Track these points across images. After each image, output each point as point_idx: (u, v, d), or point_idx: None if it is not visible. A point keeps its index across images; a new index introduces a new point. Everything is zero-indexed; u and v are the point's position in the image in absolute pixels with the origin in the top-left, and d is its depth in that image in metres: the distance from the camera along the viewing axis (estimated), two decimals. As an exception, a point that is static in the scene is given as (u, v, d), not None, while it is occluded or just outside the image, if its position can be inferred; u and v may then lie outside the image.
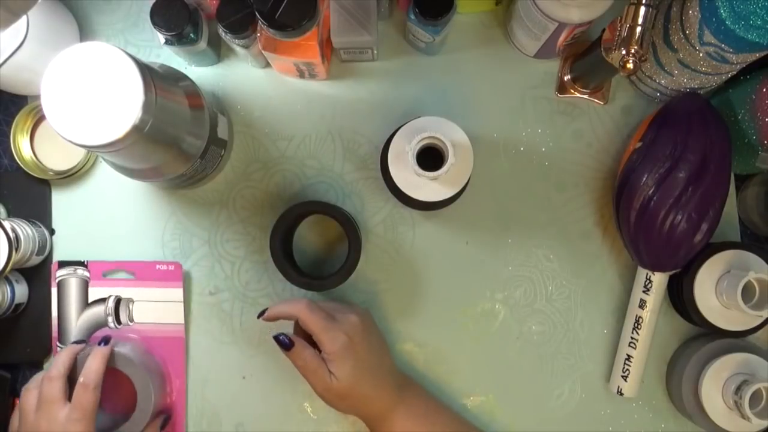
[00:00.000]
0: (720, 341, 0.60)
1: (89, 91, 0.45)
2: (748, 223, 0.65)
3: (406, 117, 0.60)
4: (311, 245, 0.65)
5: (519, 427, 0.64)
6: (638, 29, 0.50)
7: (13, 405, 0.64)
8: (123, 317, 0.64)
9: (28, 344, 0.64)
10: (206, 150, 0.57)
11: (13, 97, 0.65)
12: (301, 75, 0.64)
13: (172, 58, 0.65)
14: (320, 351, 0.55)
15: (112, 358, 0.58)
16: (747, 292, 0.56)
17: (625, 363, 0.61)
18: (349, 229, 0.59)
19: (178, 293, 0.64)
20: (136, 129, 0.46)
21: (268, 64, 0.64)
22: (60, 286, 0.64)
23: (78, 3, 0.66)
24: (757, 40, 0.48)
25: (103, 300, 0.64)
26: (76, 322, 0.63)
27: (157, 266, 0.64)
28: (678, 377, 0.61)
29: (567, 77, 0.64)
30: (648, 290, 0.61)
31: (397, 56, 0.65)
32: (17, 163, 0.64)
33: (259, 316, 0.57)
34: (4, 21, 0.48)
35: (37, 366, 0.65)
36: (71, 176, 0.64)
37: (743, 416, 0.55)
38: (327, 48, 0.62)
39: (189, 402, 0.64)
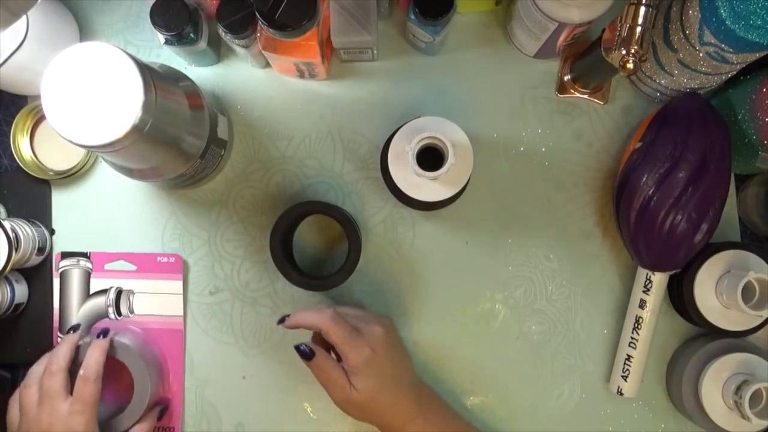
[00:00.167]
0: (720, 341, 0.60)
1: (89, 91, 0.46)
2: (748, 223, 0.65)
3: (406, 117, 0.60)
4: (311, 245, 0.65)
5: (519, 427, 0.64)
6: (638, 29, 0.50)
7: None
8: (123, 309, 0.64)
9: (28, 344, 0.64)
10: (206, 150, 0.57)
11: (13, 97, 0.65)
12: (301, 75, 0.64)
13: (172, 58, 0.65)
14: (339, 359, 0.55)
15: (111, 347, 0.59)
16: (747, 292, 0.56)
17: (625, 363, 0.61)
18: (349, 229, 0.59)
19: (178, 285, 0.64)
20: (136, 129, 0.46)
21: (268, 64, 0.64)
22: (62, 276, 0.64)
23: (78, 3, 0.66)
24: (757, 40, 0.48)
25: (104, 291, 0.64)
26: (78, 312, 0.64)
27: (158, 258, 0.64)
28: (678, 377, 0.61)
29: (567, 77, 0.64)
30: (648, 290, 0.61)
31: (397, 56, 0.65)
32: (17, 163, 0.64)
33: (279, 323, 0.56)
34: (4, 21, 0.48)
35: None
36: (71, 176, 0.64)
37: (743, 416, 0.55)
38: (327, 48, 0.62)
39: (189, 402, 0.64)
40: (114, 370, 0.59)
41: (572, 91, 0.65)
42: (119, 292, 0.64)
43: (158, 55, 0.66)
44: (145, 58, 0.59)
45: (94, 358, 0.56)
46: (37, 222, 0.64)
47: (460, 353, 0.64)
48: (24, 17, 0.56)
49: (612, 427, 0.64)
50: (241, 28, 0.56)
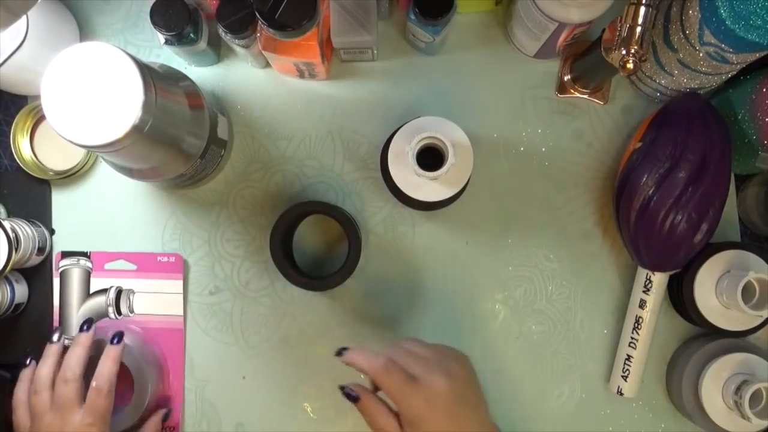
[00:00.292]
0: (720, 341, 0.60)
1: (89, 91, 0.46)
2: (748, 223, 0.65)
3: (406, 117, 0.60)
4: (311, 245, 0.65)
5: (519, 427, 0.64)
6: (638, 29, 0.50)
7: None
8: (123, 308, 0.64)
9: (28, 344, 0.64)
10: (206, 150, 0.57)
11: (13, 97, 0.65)
12: (301, 75, 0.64)
13: (172, 58, 0.65)
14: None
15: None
16: (747, 292, 0.56)
17: (625, 363, 0.61)
18: (349, 229, 0.59)
19: (178, 285, 0.64)
20: (136, 129, 0.46)
21: (268, 64, 0.64)
22: (62, 276, 0.64)
23: (78, 3, 0.66)
24: (757, 40, 0.48)
25: (104, 291, 0.64)
26: (78, 312, 0.64)
27: (158, 258, 0.64)
28: (678, 377, 0.61)
29: (567, 77, 0.64)
30: (648, 290, 0.61)
31: (397, 56, 0.65)
32: (17, 163, 0.64)
33: (337, 355, 0.52)
34: (4, 21, 0.48)
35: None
36: (71, 176, 0.64)
37: (743, 416, 0.55)
38: (327, 48, 0.62)
39: (189, 402, 0.64)
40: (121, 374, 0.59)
41: (572, 91, 0.65)
42: (119, 292, 0.64)
43: (158, 55, 0.66)
44: (145, 58, 0.59)
45: (107, 368, 0.55)
46: (37, 222, 0.64)
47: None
48: (24, 17, 0.56)
49: (612, 427, 0.64)
50: (241, 28, 0.56)
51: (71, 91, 0.45)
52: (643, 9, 0.49)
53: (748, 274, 0.55)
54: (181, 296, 0.64)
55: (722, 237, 0.64)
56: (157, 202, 0.65)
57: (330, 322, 0.65)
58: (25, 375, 0.58)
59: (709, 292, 0.59)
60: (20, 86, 0.62)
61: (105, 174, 0.65)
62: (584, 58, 0.61)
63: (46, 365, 0.56)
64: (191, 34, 0.58)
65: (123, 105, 0.45)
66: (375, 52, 0.63)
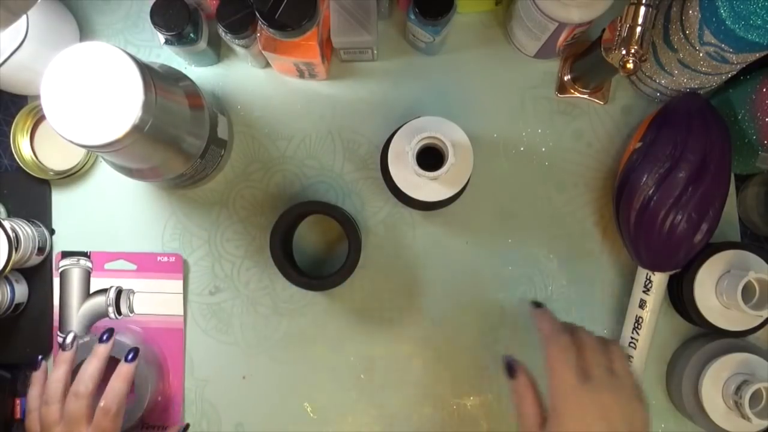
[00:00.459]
0: (720, 341, 0.60)
1: (89, 91, 0.46)
2: (748, 223, 0.65)
3: (406, 117, 0.60)
4: (311, 245, 0.65)
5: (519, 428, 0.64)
6: (638, 29, 0.50)
7: (13, 405, 0.64)
8: (123, 308, 0.64)
9: (28, 344, 0.64)
10: (206, 150, 0.57)
11: (13, 97, 0.65)
12: (301, 75, 0.64)
13: (172, 58, 0.65)
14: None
15: (112, 347, 0.57)
16: (747, 292, 0.56)
17: (625, 363, 0.61)
18: (349, 229, 0.59)
19: (178, 285, 0.64)
20: (136, 129, 0.46)
21: (268, 64, 0.64)
22: (62, 276, 0.64)
23: (78, 3, 0.66)
24: (757, 40, 0.48)
25: (104, 291, 0.64)
26: (78, 312, 0.64)
27: (159, 258, 0.64)
28: (678, 377, 0.61)
29: (567, 77, 0.64)
30: (648, 290, 0.61)
31: (397, 56, 0.65)
32: (17, 163, 0.64)
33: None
34: (4, 21, 0.48)
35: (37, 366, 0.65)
36: (71, 176, 0.64)
37: (743, 416, 0.55)
38: (327, 48, 0.62)
39: (189, 402, 0.64)
40: (114, 369, 0.59)
41: (572, 91, 0.65)
42: (119, 292, 0.64)
43: (158, 55, 0.66)
44: (145, 58, 0.59)
45: (117, 388, 0.54)
46: (37, 222, 0.64)
47: (460, 353, 0.64)
48: (24, 17, 0.56)
49: (612, 427, 0.64)
50: (241, 28, 0.56)
51: (71, 91, 0.45)
52: (643, 9, 0.49)
53: (748, 274, 0.55)
54: (181, 296, 0.64)
55: (722, 237, 0.64)
56: (157, 202, 0.65)
57: (330, 322, 0.65)
58: (36, 378, 0.57)
59: (709, 292, 0.59)
60: (20, 86, 0.62)
61: (105, 174, 0.65)
62: (584, 58, 0.61)
63: (58, 373, 0.55)
64: (191, 34, 0.58)
65: (123, 105, 0.45)
66: (375, 52, 0.63)
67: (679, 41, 0.54)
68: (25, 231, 0.60)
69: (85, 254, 0.64)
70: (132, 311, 0.64)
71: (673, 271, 0.61)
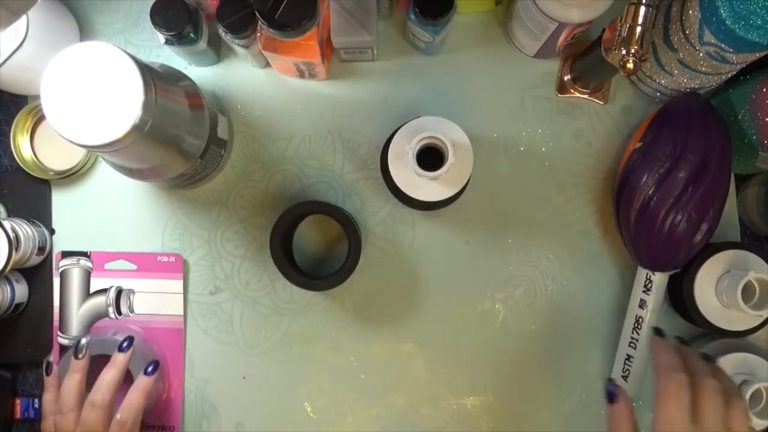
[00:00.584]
0: (720, 341, 0.60)
1: (89, 91, 0.45)
2: (748, 223, 0.65)
3: (406, 117, 0.60)
4: (311, 245, 0.65)
5: (519, 427, 0.64)
6: (638, 29, 0.50)
7: (13, 405, 0.64)
8: (123, 308, 0.64)
9: (28, 344, 0.64)
10: (206, 150, 0.57)
11: (13, 97, 0.65)
12: (301, 75, 0.64)
13: (172, 58, 0.65)
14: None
15: (111, 346, 0.58)
16: (747, 292, 0.56)
17: (625, 363, 0.61)
18: (349, 229, 0.59)
19: (178, 285, 0.64)
20: (136, 129, 0.46)
21: (268, 64, 0.64)
22: (63, 276, 0.64)
23: (78, 3, 0.66)
24: (757, 40, 0.48)
25: (104, 291, 0.64)
26: (78, 312, 0.64)
27: (159, 258, 0.64)
28: (678, 377, 0.61)
29: (567, 77, 0.64)
30: (648, 290, 0.61)
31: (397, 56, 0.65)
32: (17, 163, 0.64)
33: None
34: (4, 21, 0.48)
35: (38, 366, 0.65)
36: (71, 176, 0.64)
37: (743, 416, 0.55)
38: (327, 48, 0.62)
39: (189, 402, 0.65)
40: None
41: (572, 91, 0.65)
42: (119, 292, 0.64)
43: (158, 55, 0.66)
44: (145, 58, 0.59)
45: (134, 402, 0.53)
46: (37, 222, 0.64)
47: (460, 353, 0.64)
48: (24, 17, 0.56)
49: (612, 427, 0.64)
50: (241, 28, 0.56)
51: (71, 91, 0.45)
52: (643, 9, 0.49)
53: (748, 274, 0.55)
54: (181, 296, 0.64)
55: (722, 237, 0.64)
56: (157, 202, 0.65)
57: (330, 322, 0.65)
58: (50, 384, 0.56)
59: (709, 292, 0.59)
60: (20, 86, 0.62)
61: (105, 174, 0.65)
62: (584, 58, 0.61)
63: (72, 382, 0.54)
64: (191, 34, 0.58)
65: (123, 105, 0.45)
66: (375, 52, 0.63)
67: (679, 41, 0.54)
68: (25, 231, 0.60)
69: (85, 254, 0.64)
70: (132, 311, 0.64)
71: (673, 271, 0.61)
